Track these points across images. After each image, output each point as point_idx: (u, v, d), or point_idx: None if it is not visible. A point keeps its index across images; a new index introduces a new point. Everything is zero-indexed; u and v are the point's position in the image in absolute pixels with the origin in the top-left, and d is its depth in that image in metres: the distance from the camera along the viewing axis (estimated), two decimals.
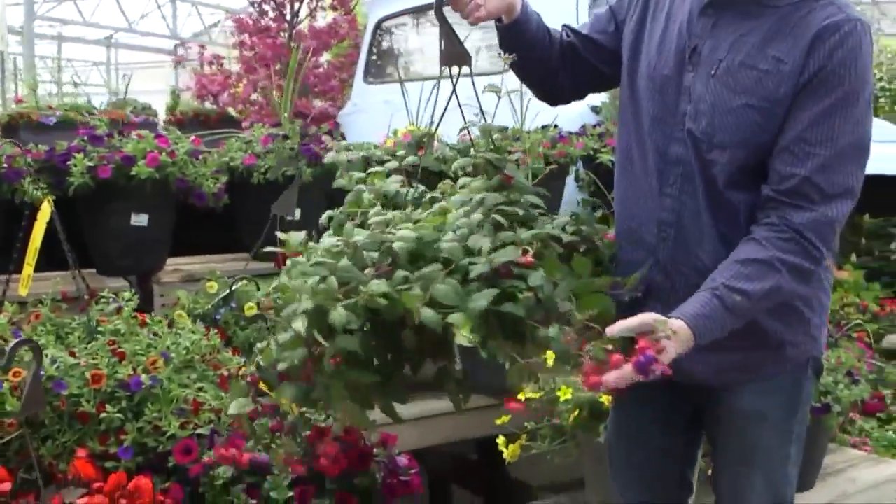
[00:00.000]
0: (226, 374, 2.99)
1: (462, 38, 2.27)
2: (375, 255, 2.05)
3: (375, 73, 7.97)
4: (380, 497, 2.69)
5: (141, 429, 2.74)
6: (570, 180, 5.08)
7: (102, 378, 2.75)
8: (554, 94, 2.42)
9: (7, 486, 2.46)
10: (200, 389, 2.89)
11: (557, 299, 1.95)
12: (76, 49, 19.33)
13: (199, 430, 2.73)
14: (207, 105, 9.20)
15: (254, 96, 9.00)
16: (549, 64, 2.32)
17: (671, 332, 1.82)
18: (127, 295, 3.16)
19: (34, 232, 2.93)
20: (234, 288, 3.37)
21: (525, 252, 1.99)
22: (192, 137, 3.91)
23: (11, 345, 2.45)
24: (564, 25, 2.36)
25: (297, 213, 4.07)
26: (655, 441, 2.35)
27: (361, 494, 2.66)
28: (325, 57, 9.95)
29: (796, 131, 1.96)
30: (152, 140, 3.70)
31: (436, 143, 4.29)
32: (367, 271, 2.00)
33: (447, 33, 2.27)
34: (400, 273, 1.97)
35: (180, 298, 3.39)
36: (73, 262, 3.00)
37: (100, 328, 3.02)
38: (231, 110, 8.60)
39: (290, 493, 2.50)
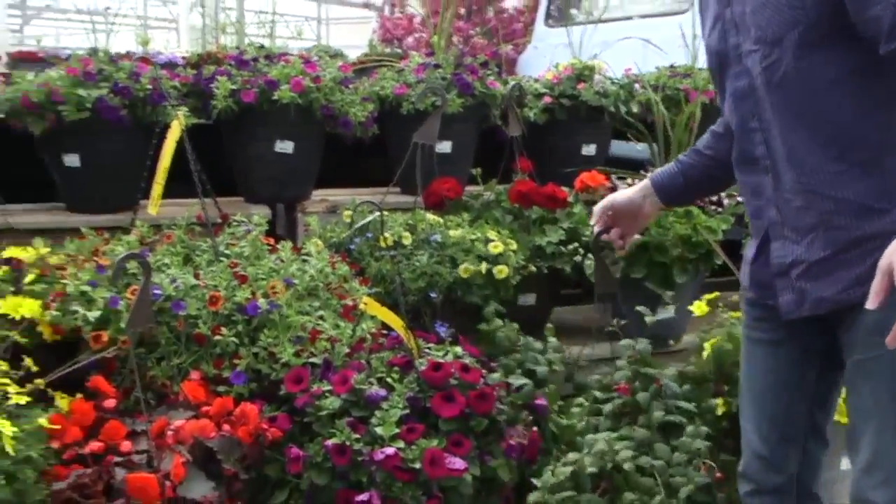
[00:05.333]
0: (350, 303, 2.87)
1: None
2: None
3: (557, 15, 7.77)
4: (499, 446, 2.51)
5: (256, 354, 2.65)
6: None
7: (220, 300, 2.67)
8: None
9: (112, 402, 2.41)
10: (321, 318, 2.78)
11: None
12: (288, 3, 19.68)
13: (313, 360, 2.62)
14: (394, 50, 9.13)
15: (434, 38, 8.86)
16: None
17: None
18: (257, 219, 3.08)
19: (164, 151, 2.86)
20: (369, 219, 3.24)
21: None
22: (341, 65, 3.78)
23: (120, 257, 2.38)
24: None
25: (448, 145, 3.92)
26: (783, 374, 2.12)
27: (477, 439, 2.49)
28: (511, 1, 9.74)
29: None
30: (299, 65, 3.60)
31: (597, 76, 4.04)
32: None
33: (601, 268, 2.69)
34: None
35: (310, 225, 3.28)
36: (199, 185, 2.92)
37: (227, 251, 2.95)
38: (415, 54, 8.51)
39: (397, 430, 2.36)
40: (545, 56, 7.32)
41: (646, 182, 2.34)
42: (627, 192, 2.36)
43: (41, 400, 2.39)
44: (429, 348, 2.71)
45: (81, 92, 3.25)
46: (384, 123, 3.93)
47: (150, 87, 3.38)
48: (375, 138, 3.90)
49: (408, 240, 3.28)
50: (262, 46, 3.95)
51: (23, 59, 7.39)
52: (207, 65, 3.96)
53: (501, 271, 3.21)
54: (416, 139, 3.43)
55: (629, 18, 6.91)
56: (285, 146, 3.65)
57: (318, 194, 3.93)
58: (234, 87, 3.49)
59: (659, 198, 2.33)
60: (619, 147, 4.67)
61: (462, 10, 9.32)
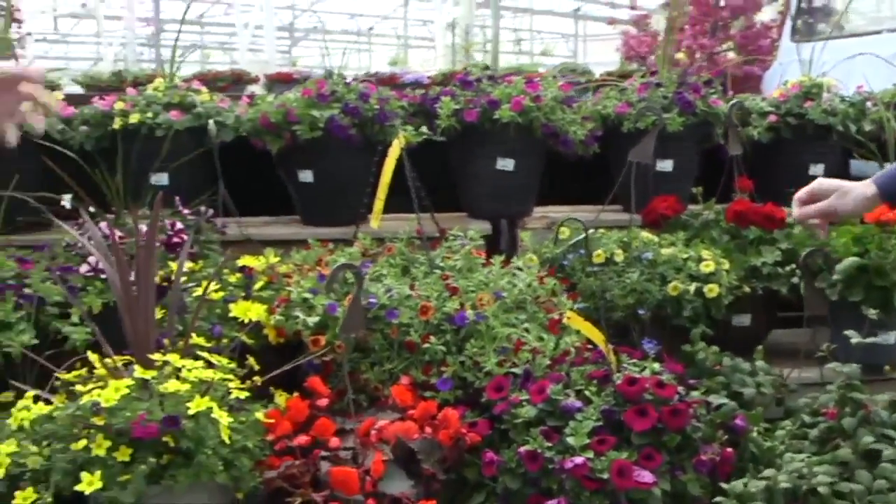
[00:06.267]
0: (556, 317, 2.95)
1: None
2: None
3: (804, 30, 7.58)
4: (691, 463, 2.53)
5: (462, 363, 2.78)
6: None
7: (430, 310, 2.82)
8: None
9: (325, 401, 2.60)
10: (526, 330, 2.88)
11: None
12: (545, 21, 20.05)
13: (515, 370, 2.72)
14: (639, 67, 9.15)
15: (677, 55, 8.82)
16: None
17: None
18: (472, 234, 3.21)
19: (385, 168, 3.04)
20: (582, 236, 3.32)
21: None
22: (561, 84, 3.88)
23: (334, 268, 2.56)
24: None
25: (669, 164, 3.94)
26: None
27: (670, 454, 2.51)
28: (759, 16, 9.57)
29: None
30: (521, 85, 3.73)
31: (826, 94, 3.95)
32: None
33: (812, 290, 3.15)
34: None
35: (523, 240, 3.39)
36: (416, 201, 3.09)
37: (441, 264, 3.10)
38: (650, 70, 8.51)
39: (588, 441, 2.42)
40: (789, 73, 7.18)
41: (872, 188, 2.23)
42: (850, 201, 2.23)
43: (263, 397, 2.62)
44: (628, 364, 2.75)
45: (315, 112, 3.50)
46: (606, 142, 4.00)
47: (377, 107, 3.59)
48: (599, 156, 3.98)
49: (619, 257, 3.33)
50: (486, 67, 4.11)
51: (279, 80, 7.97)
52: (441, 84, 4.16)
53: (712, 290, 3.21)
54: (632, 158, 3.49)
55: (878, 33, 6.67)
56: (506, 164, 3.78)
57: (539, 211, 4.04)
58: (457, 106, 3.66)
59: (882, 200, 2.23)
60: (861, 166, 4.53)
61: (707, 26, 9.24)
